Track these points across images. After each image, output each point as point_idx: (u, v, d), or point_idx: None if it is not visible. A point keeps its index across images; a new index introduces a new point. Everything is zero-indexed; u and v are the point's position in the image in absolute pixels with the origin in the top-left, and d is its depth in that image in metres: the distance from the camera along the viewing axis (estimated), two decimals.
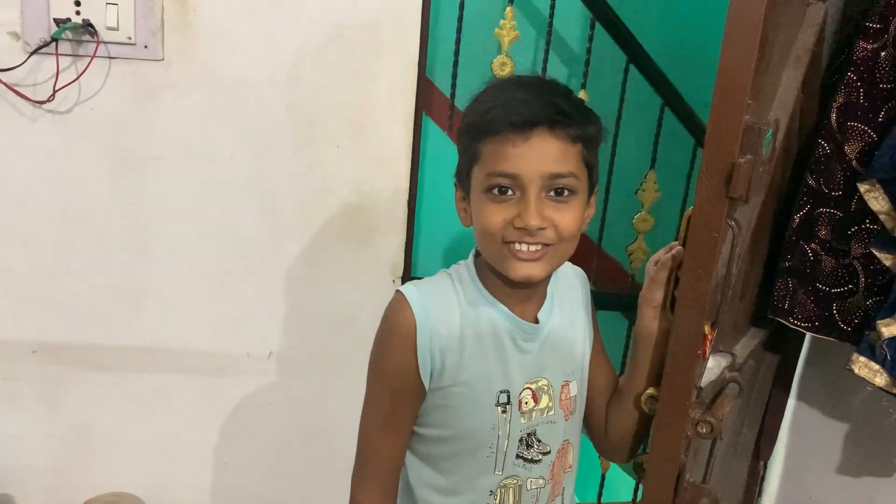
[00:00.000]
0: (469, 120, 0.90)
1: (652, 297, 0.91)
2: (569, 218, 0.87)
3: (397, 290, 0.92)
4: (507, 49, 1.52)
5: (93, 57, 1.31)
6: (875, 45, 1.07)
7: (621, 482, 1.98)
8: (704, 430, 0.86)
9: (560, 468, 0.99)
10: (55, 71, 1.31)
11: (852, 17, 1.16)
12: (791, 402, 1.53)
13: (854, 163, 1.10)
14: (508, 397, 0.92)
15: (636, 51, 1.63)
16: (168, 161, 1.40)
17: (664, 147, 1.73)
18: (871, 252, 1.09)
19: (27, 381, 1.48)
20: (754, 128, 0.77)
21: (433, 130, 1.70)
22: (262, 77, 1.39)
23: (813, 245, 1.16)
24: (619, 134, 1.66)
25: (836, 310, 1.16)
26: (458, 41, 1.53)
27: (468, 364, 0.91)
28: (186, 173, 1.41)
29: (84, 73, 1.32)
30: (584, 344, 1.01)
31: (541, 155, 0.84)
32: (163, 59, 1.35)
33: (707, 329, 0.84)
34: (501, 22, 1.51)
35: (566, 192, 0.86)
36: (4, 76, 1.30)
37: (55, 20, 1.28)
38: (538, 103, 0.84)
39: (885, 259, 1.08)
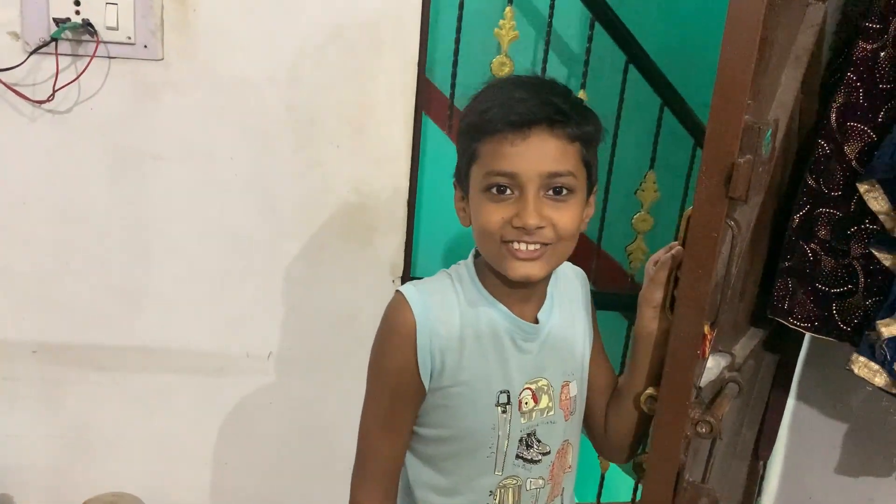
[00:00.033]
0: (468, 119, 0.90)
1: (651, 297, 0.91)
2: (567, 217, 0.87)
3: (397, 291, 0.92)
4: (506, 49, 1.52)
5: (92, 57, 1.31)
6: (875, 46, 1.07)
7: (621, 482, 1.98)
8: (704, 429, 0.86)
9: (560, 468, 0.99)
10: (55, 71, 1.31)
11: (852, 17, 1.16)
12: (790, 402, 1.53)
13: (854, 163, 1.10)
14: (508, 397, 0.92)
15: (635, 51, 1.62)
16: (168, 161, 1.40)
17: (663, 147, 1.73)
18: (871, 252, 1.09)
19: (27, 381, 1.48)
20: (754, 128, 0.77)
21: (433, 130, 1.70)
22: (262, 77, 1.39)
23: (812, 245, 1.16)
24: (618, 134, 1.66)
25: (835, 310, 1.16)
26: (457, 41, 1.53)
27: (468, 364, 0.91)
28: (186, 173, 1.41)
29: (84, 73, 1.32)
30: (583, 344, 1.01)
31: (539, 154, 0.84)
32: (162, 59, 1.35)
33: (707, 329, 0.84)
34: (501, 22, 1.51)
35: (565, 192, 0.86)
36: (4, 76, 1.30)
37: (55, 20, 1.28)
38: (536, 102, 0.84)
39: (885, 259, 1.08)
